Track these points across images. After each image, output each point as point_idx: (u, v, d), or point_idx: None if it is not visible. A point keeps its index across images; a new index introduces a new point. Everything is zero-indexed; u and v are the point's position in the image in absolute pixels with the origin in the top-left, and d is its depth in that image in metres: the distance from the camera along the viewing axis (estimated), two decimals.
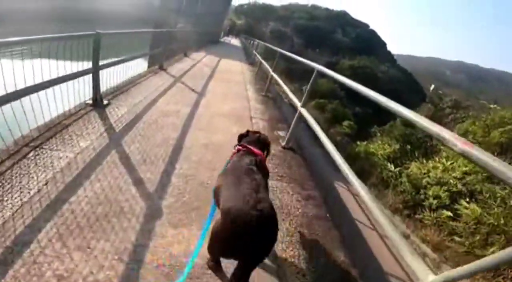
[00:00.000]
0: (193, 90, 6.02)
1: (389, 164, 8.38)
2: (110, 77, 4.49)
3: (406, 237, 7.14)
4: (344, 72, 33.10)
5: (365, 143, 12.30)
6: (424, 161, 8.37)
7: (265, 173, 1.64)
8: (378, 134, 13.83)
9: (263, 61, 8.06)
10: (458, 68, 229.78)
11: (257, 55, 11.05)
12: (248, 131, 1.99)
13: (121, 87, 5.00)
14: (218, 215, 1.33)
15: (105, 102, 4.11)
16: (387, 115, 29.63)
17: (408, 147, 9.14)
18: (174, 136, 3.40)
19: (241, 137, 1.94)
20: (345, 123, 15.19)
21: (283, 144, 4.03)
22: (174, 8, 23.94)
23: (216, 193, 1.52)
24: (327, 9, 69.49)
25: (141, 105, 4.41)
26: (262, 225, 1.16)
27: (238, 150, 1.73)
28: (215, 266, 1.56)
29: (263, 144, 1.86)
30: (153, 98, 4.90)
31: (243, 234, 1.15)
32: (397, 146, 9.05)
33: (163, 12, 24.72)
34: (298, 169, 3.41)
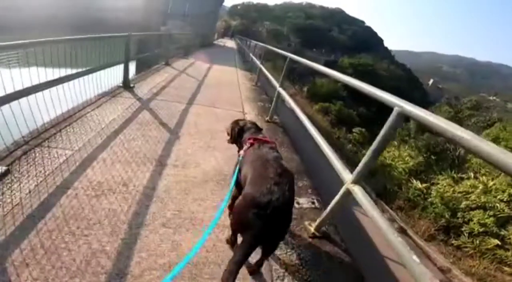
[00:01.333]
0: (161, 129, 3.38)
1: (414, 181, 7.17)
2: None
3: (446, 270, 5.96)
4: (345, 70, 31.90)
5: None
6: (454, 175, 7.20)
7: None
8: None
9: (264, 70, 5.92)
10: (455, 62, 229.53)
11: (255, 59, 9.26)
12: (237, 121, 1.94)
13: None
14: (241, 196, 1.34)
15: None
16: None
17: (433, 157, 7.95)
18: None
19: (240, 131, 1.87)
20: (356, 130, 13.88)
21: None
22: (160, 9, 21.74)
23: (241, 178, 1.55)
24: (322, 7, 68.56)
25: None
26: (282, 210, 1.22)
27: (252, 143, 1.67)
28: (233, 242, 1.64)
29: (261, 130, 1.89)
30: None
31: (258, 210, 1.19)
32: (421, 158, 7.83)
33: (147, 13, 22.74)
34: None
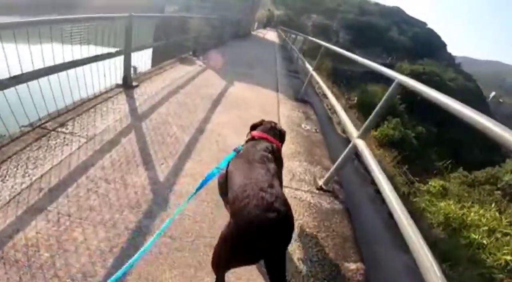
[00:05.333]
0: None
1: None
2: None
3: None
4: None
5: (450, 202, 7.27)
6: None
7: (280, 162, 1.53)
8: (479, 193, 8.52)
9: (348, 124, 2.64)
10: None
11: (319, 81, 4.76)
12: (262, 120, 1.82)
13: None
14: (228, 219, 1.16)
15: None
16: (457, 136, 23.32)
17: None
18: None
19: (254, 126, 1.77)
20: (435, 184, 9.12)
21: None
22: None
23: (223, 181, 1.41)
24: (377, 4, 61.80)
25: None
26: (279, 227, 1.04)
27: (252, 137, 1.60)
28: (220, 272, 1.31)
29: (279, 133, 1.71)
30: None
31: (258, 239, 1.02)
32: None
33: None
34: None
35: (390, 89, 2.02)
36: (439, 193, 7.09)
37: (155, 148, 2.69)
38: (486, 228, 5.89)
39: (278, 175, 1.29)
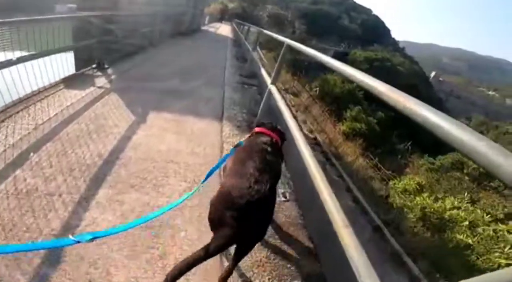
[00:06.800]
0: None
1: None
2: None
3: None
4: (360, 66, 28.03)
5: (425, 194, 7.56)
6: None
7: (280, 156, 1.61)
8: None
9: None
10: (456, 55, 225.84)
11: (280, 106, 2.55)
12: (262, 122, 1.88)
13: None
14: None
15: None
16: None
17: None
18: None
19: (257, 125, 1.83)
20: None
21: None
22: None
23: (225, 167, 1.57)
24: None
25: None
26: (253, 206, 1.11)
27: (255, 132, 1.68)
28: None
29: (279, 131, 1.75)
30: None
31: (232, 209, 1.11)
32: None
33: None
34: None
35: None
36: (415, 190, 7.31)
37: None
38: (466, 223, 6.01)
39: (273, 165, 1.36)
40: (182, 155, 2.62)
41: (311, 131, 8.88)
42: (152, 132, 2.95)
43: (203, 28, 20.44)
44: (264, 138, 1.53)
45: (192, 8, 14.93)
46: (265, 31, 5.41)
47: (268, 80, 3.25)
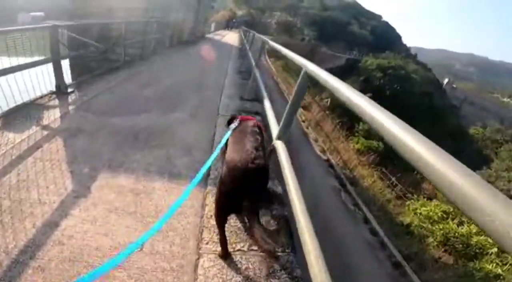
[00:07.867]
0: None
1: None
2: None
3: None
4: (372, 73, 27.09)
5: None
6: None
7: (263, 134, 1.88)
8: None
9: None
10: (467, 61, 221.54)
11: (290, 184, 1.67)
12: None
13: None
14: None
15: None
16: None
17: None
18: None
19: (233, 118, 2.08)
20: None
21: None
22: None
23: (224, 150, 1.77)
24: None
25: None
26: (256, 173, 1.44)
27: (241, 120, 1.95)
28: (221, 220, 1.60)
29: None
30: None
31: (242, 178, 1.42)
32: None
33: None
34: None
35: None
36: (440, 217, 6.55)
37: None
38: (495, 250, 5.37)
39: (263, 144, 1.69)
40: (136, 255, 1.63)
41: (323, 151, 8.16)
42: (94, 215, 1.91)
43: (208, 36, 19.59)
44: (251, 123, 1.88)
45: (194, 14, 14.23)
46: (271, 42, 4.17)
47: (274, 129, 2.23)
